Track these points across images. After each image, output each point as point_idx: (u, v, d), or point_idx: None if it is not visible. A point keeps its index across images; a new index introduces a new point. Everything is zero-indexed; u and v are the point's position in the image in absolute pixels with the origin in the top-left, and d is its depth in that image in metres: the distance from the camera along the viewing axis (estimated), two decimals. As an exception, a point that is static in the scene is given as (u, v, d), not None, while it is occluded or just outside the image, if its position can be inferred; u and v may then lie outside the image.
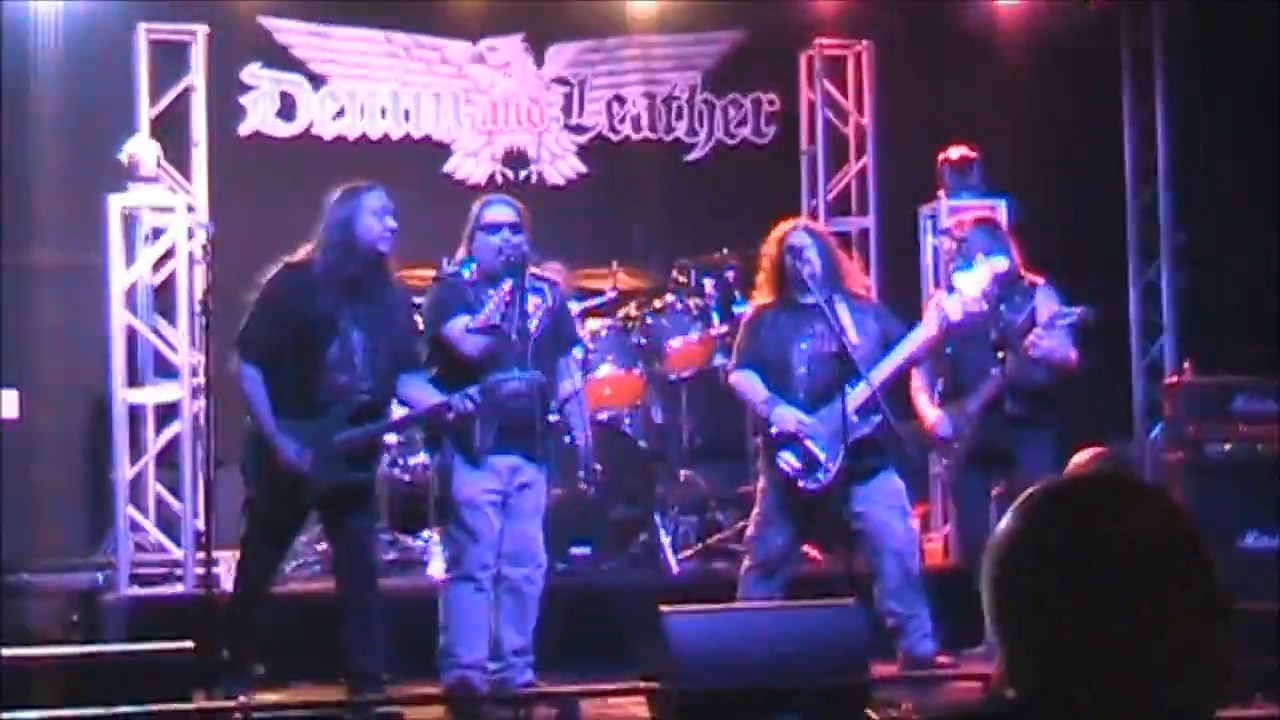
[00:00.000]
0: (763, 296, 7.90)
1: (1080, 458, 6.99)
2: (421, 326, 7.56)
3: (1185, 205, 11.01)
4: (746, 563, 7.88)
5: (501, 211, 7.30)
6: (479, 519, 7.15)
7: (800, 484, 7.64)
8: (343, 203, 7.09)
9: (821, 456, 7.61)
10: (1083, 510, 2.21)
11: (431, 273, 9.48)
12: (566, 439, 7.83)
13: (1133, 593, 2.16)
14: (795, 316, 7.74)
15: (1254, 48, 10.54)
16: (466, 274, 7.29)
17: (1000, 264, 8.03)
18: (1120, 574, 2.16)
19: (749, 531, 7.94)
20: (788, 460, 7.62)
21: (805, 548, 8.90)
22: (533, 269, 7.34)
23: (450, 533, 7.25)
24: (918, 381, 8.32)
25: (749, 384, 7.78)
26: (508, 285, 7.00)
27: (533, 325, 7.23)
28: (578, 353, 7.84)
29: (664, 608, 6.83)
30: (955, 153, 9.89)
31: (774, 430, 7.66)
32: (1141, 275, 11.05)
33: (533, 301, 7.26)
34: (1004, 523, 2.27)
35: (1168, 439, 9.91)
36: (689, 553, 9.55)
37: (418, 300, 9.36)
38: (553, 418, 7.49)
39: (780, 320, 7.75)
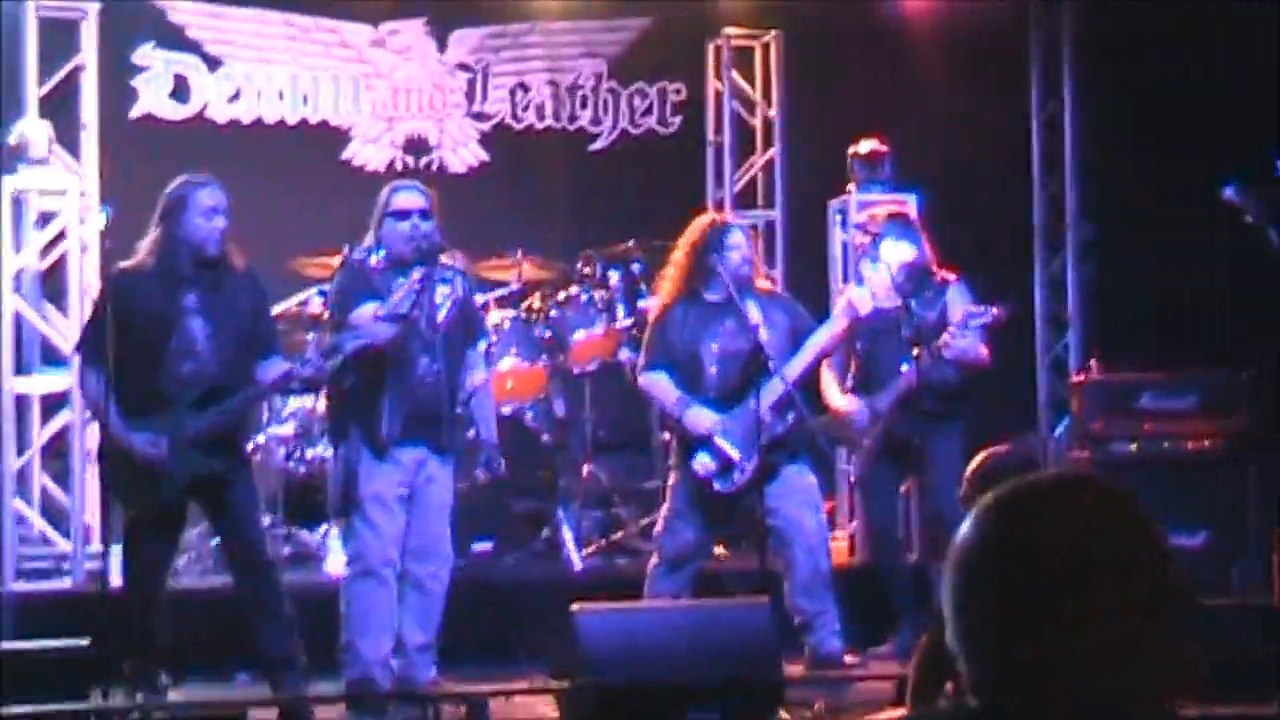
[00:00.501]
0: (666, 293, 7.90)
1: (982, 456, 7.01)
2: (329, 311, 7.51)
3: (1093, 199, 11.10)
4: (654, 559, 7.88)
5: (411, 197, 7.27)
6: (383, 513, 7.10)
7: (715, 485, 7.65)
8: (172, 199, 7.04)
9: (736, 457, 7.63)
10: (1036, 512, 2.18)
11: (330, 260, 9.47)
12: (470, 433, 7.78)
13: (1075, 592, 2.13)
14: (704, 313, 7.74)
15: (1163, 40, 10.66)
16: (374, 260, 7.24)
17: (907, 252, 8.10)
18: (1062, 573, 2.14)
19: (657, 528, 7.95)
20: (703, 463, 7.64)
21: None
22: (443, 259, 7.31)
23: (353, 526, 7.19)
24: (828, 374, 8.35)
25: (660, 385, 7.78)
26: (418, 274, 6.97)
27: (441, 315, 7.21)
28: (483, 345, 7.78)
29: (574, 605, 6.81)
30: (865, 146, 9.92)
31: (688, 431, 7.66)
32: (1047, 269, 11.13)
33: (441, 291, 7.23)
34: (962, 533, 2.25)
35: (1074, 436, 10.01)
36: (592, 548, 9.55)
37: (324, 290, 9.39)
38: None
39: (689, 318, 7.74)
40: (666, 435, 8.27)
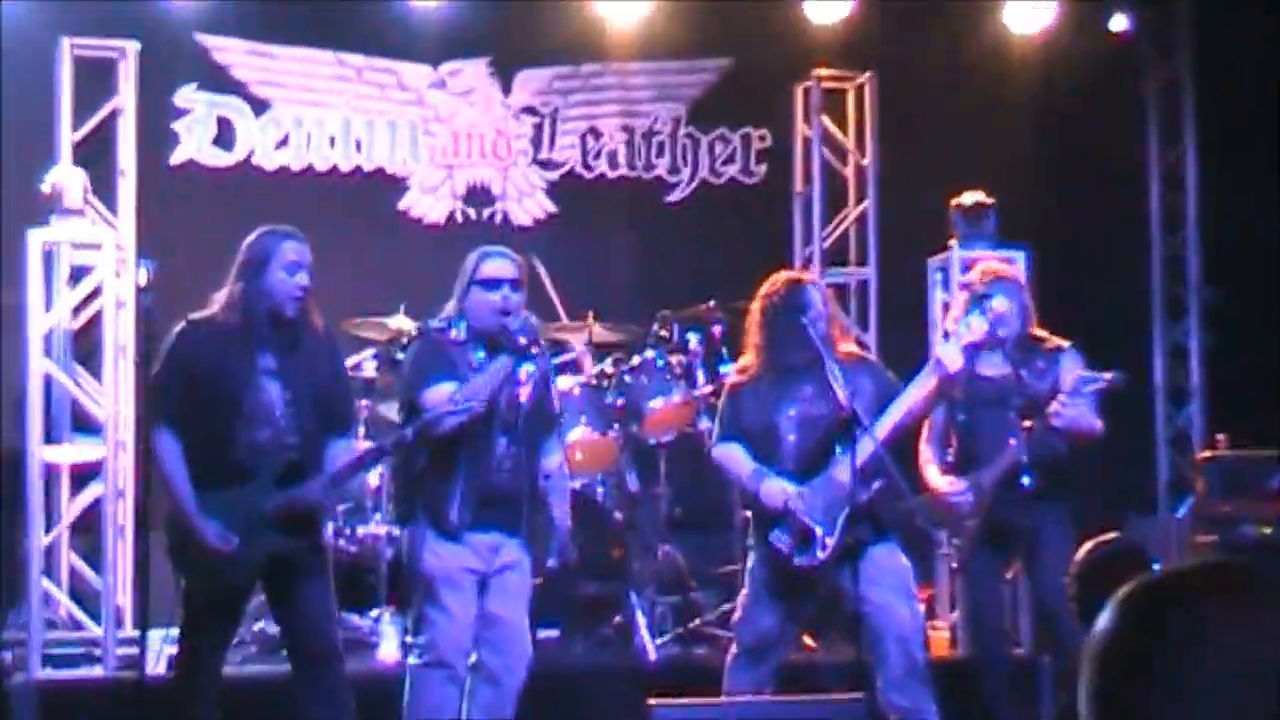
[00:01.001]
0: (747, 358, 7.86)
1: (1090, 546, 6.91)
2: (400, 386, 7.46)
3: (1217, 259, 11.02)
4: (733, 649, 7.81)
5: (502, 265, 7.20)
6: (457, 597, 7.05)
7: (795, 561, 7.58)
8: (253, 252, 7.00)
9: (817, 531, 7.55)
10: (1194, 610, 2.13)
11: (384, 321, 9.50)
12: (541, 518, 7.71)
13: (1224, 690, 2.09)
14: (780, 379, 7.68)
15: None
16: (455, 333, 7.18)
17: (1001, 305, 8.06)
18: (1240, 686, 2.09)
19: (735, 615, 7.87)
20: (780, 538, 7.57)
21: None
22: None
23: (425, 612, 7.13)
24: (926, 453, 8.27)
25: (733, 457, 7.70)
26: (503, 365, 6.96)
27: (524, 394, 7.15)
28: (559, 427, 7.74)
29: (651, 699, 6.74)
30: (969, 198, 9.88)
31: (764, 505, 7.60)
32: (1168, 335, 11.06)
33: (525, 369, 7.17)
34: (1103, 623, 2.20)
35: (1197, 518, 9.91)
36: (667, 636, 9.48)
37: (377, 354, 9.38)
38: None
39: (763, 385, 7.68)
40: (746, 514, 8.19)
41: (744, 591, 7.79)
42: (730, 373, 8.12)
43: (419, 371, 7.18)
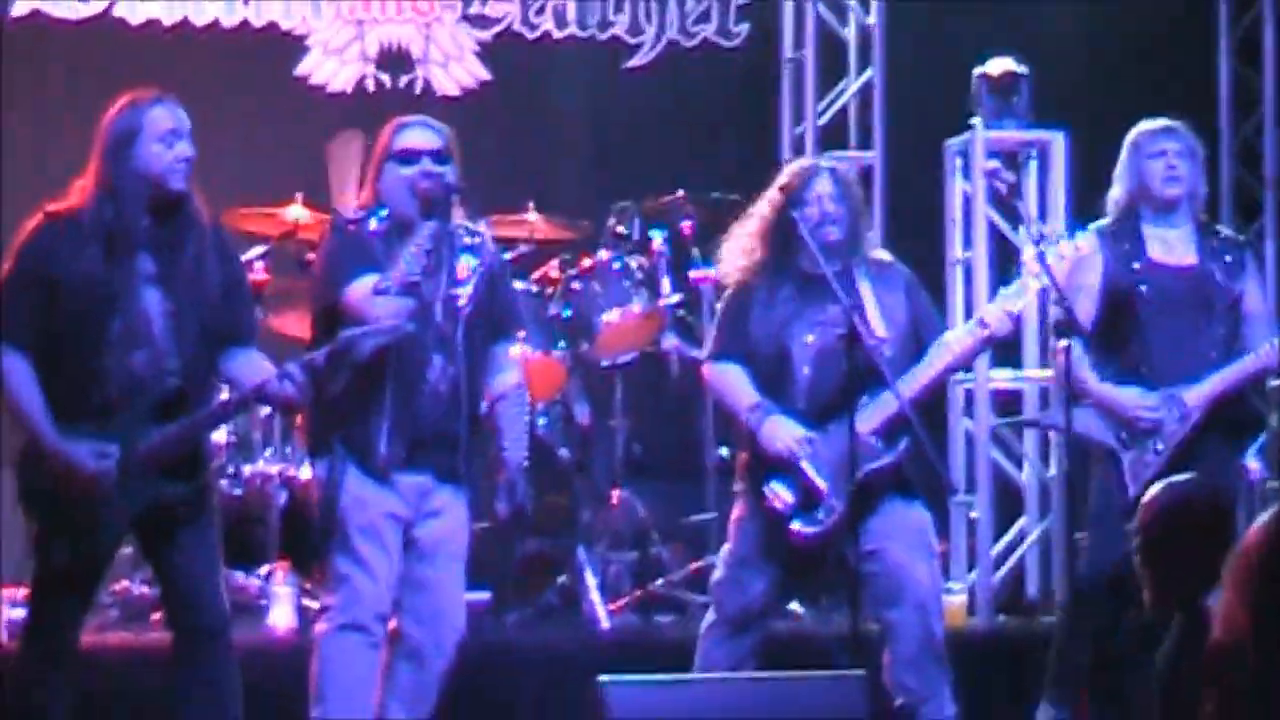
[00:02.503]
0: (750, 259, 7.83)
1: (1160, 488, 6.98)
2: (313, 293, 7.43)
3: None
4: (710, 616, 7.82)
5: (422, 136, 7.17)
6: (377, 551, 7.06)
7: (793, 525, 7.59)
8: (119, 123, 6.97)
9: (824, 488, 7.55)
10: None
11: (279, 212, 9.51)
12: (491, 451, 7.66)
13: None
14: (800, 294, 7.62)
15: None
16: (374, 223, 7.18)
17: (1086, 243, 8.05)
18: None
19: (717, 574, 7.84)
20: (777, 492, 7.55)
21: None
22: (461, 219, 7.27)
23: (336, 566, 7.16)
24: (1076, 349, 7.63)
25: (734, 382, 7.64)
26: (429, 230, 6.94)
27: (464, 297, 7.15)
28: (518, 342, 7.67)
29: (603, 677, 6.82)
30: (996, 67, 9.93)
31: (764, 449, 7.60)
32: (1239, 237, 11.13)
33: (465, 264, 7.17)
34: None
35: (1272, 460, 10.00)
36: (623, 601, 9.58)
37: (267, 253, 9.40)
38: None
39: (779, 298, 7.65)
40: (725, 453, 8.21)
41: (728, 548, 7.77)
42: (728, 268, 8.00)
43: (334, 268, 7.13)
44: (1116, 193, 7.99)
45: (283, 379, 6.80)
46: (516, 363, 7.46)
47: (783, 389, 7.56)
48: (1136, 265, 7.77)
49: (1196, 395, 7.70)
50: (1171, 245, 7.81)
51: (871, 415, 7.43)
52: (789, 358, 7.56)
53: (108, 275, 6.81)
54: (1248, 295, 7.84)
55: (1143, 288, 7.75)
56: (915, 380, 7.48)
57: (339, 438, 7.07)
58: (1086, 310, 7.70)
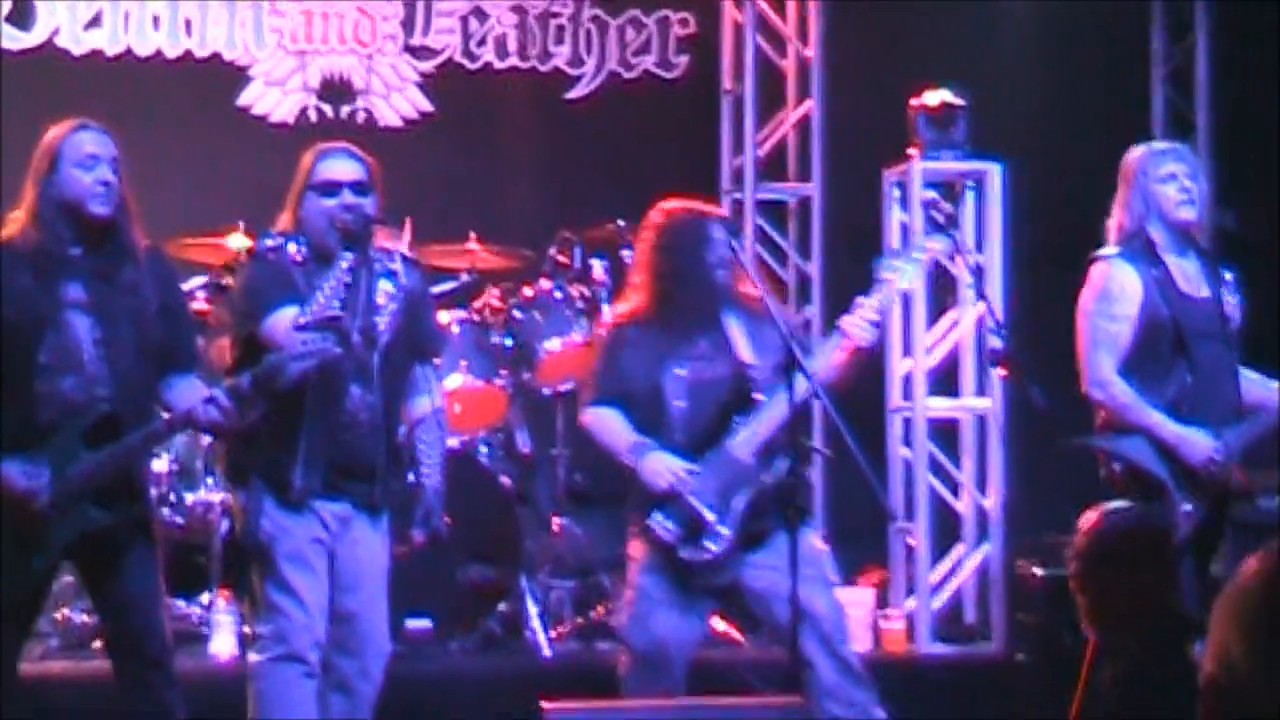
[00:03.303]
0: (629, 301, 7.84)
1: (1096, 515, 6.98)
2: (231, 320, 7.42)
3: (1231, 176, 11.10)
4: (624, 658, 7.77)
5: (343, 165, 7.17)
6: (306, 577, 7.05)
7: (681, 554, 7.57)
8: (42, 153, 6.98)
9: (710, 518, 7.54)
10: None
11: (220, 241, 9.47)
12: (409, 476, 7.68)
13: None
14: (670, 331, 7.65)
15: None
16: (293, 250, 7.17)
17: (939, 244, 8.01)
18: None
19: (622, 616, 7.77)
20: (662, 524, 7.54)
21: (724, 626, 8.92)
22: (383, 239, 7.25)
23: (269, 596, 7.11)
24: (1120, 385, 7.44)
25: (609, 425, 7.60)
26: (346, 263, 6.91)
27: (383, 323, 7.12)
28: (435, 362, 7.68)
29: (545, 704, 6.79)
30: (933, 99, 9.93)
31: (646, 485, 7.57)
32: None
33: (383, 290, 7.15)
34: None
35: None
36: (565, 629, 9.56)
37: (210, 282, 9.34)
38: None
39: (649, 336, 7.66)
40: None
41: (629, 590, 7.72)
42: (608, 317, 8.07)
43: (253, 299, 7.12)
44: (1122, 220, 7.58)
45: (209, 403, 6.78)
46: (436, 386, 7.46)
47: (659, 424, 7.55)
48: (1171, 294, 7.38)
49: (1239, 440, 7.32)
50: (1189, 275, 7.46)
51: (747, 440, 7.45)
52: (662, 392, 7.56)
53: (36, 302, 6.80)
54: (1235, 318, 7.55)
55: (1180, 319, 7.35)
56: (784, 402, 7.49)
57: (255, 469, 7.06)
58: (1125, 341, 7.37)
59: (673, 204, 7.87)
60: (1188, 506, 7.17)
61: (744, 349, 7.57)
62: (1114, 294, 7.40)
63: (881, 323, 7.74)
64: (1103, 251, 7.59)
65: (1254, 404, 7.48)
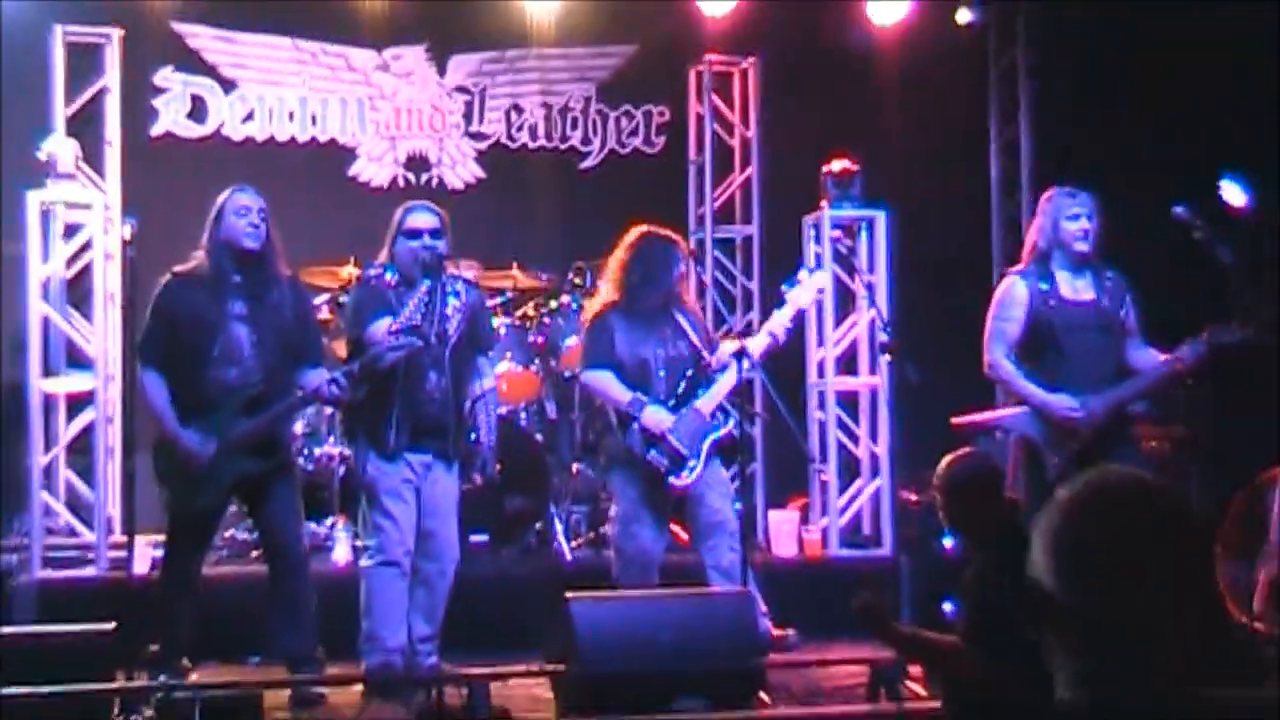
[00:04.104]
0: (605, 298, 7.83)
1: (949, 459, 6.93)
2: (345, 327, 7.46)
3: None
4: (617, 562, 7.69)
5: (423, 218, 7.21)
6: (400, 506, 7.07)
7: (670, 479, 7.59)
8: (215, 208, 7.06)
9: (686, 453, 7.59)
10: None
11: (336, 270, 9.47)
12: (471, 436, 7.71)
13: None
14: (643, 320, 7.69)
15: (1115, 68, 10.73)
16: (388, 277, 7.20)
17: (819, 278, 8.06)
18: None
19: (613, 530, 7.76)
20: (658, 459, 7.57)
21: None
22: (450, 268, 7.28)
23: (373, 520, 7.15)
24: (1009, 367, 7.26)
25: (608, 383, 7.61)
26: (425, 287, 6.94)
27: (451, 328, 7.15)
28: (490, 354, 7.69)
29: (568, 593, 6.78)
30: (837, 165, 9.91)
31: (642, 429, 7.57)
32: (1009, 276, 11.11)
33: (451, 304, 7.18)
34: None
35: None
36: (580, 541, 9.53)
37: (330, 299, 9.33)
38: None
39: (630, 325, 7.68)
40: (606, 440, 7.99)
41: (617, 509, 7.72)
42: (594, 305, 8.02)
43: (358, 312, 7.20)
44: (1035, 241, 7.37)
45: (331, 384, 6.88)
46: (490, 372, 7.49)
47: (646, 385, 7.59)
48: (1052, 302, 7.23)
49: (1103, 403, 7.16)
50: (1076, 286, 7.27)
51: (708, 401, 7.47)
52: (648, 363, 7.58)
53: (209, 314, 6.86)
54: (1128, 320, 7.36)
55: (1057, 318, 7.21)
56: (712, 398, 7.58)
57: (361, 431, 7.09)
58: (1015, 335, 7.23)
59: (647, 227, 7.89)
60: (1055, 459, 7.13)
61: (693, 337, 7.62)
62: (1007, 301, 7.30)
63: (791, 327, 7.78)
64: (1011, 270, 7.54)
65: (1134, 370, 7.32)
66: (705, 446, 7.60)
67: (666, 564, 7.89)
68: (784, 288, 7.96)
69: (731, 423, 7.71)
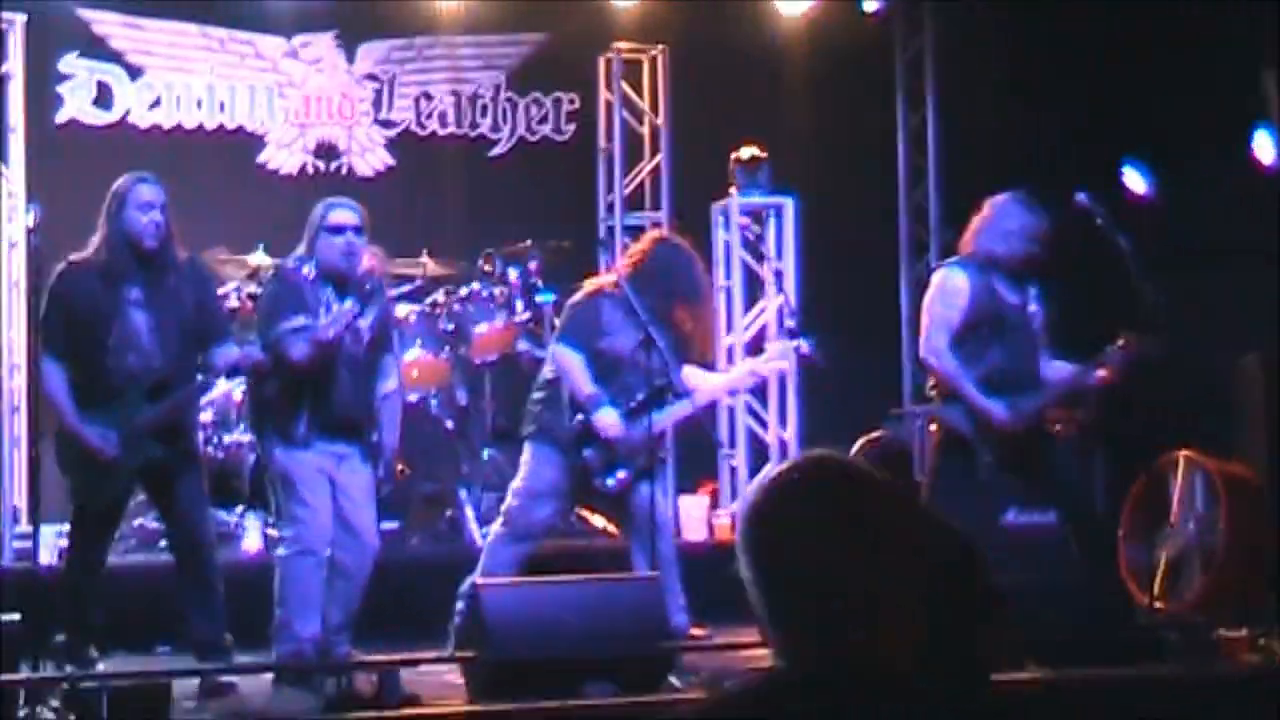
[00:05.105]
0: (610, 279, 7.72)
1: (861, 442, 7.00)
2: (260, 319, 7.35)
3: (953, 207, 11.14)
4: (499, 529, 7.60)
5: (346, 215, 7.14)
6: (315, 494, 7.01)
7: (595, 481, 7.52)
8: (113, 196, 6.99)
9: (620, 464, 7.50)
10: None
11: (245, 259, 9.39)
12: (374, 436, 7.56)
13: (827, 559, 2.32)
14: (634, 319, 7.53)
15: (1021, 56, 10.83)
16: (306, 271, 7.12)
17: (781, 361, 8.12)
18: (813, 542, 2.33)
19: (509, 501, 7.63)
20: (593, 457, 7.48)
21: (603, 523, 8.90)
22: (367, 264, 7.22)
23: (291, 509, 7.05)
24: (953, 363, 7.23)
25: (577, 368, 7.47)
26: (350, 305, 6.88)
27: (367, 337, 7.12)
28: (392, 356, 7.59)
29: (479, 581, 6.77)
30: (746, 153, 9.95)
31: (593, 426, 7.47)
32: (913, 271, 11.18)
33: (365, 320, 7.09)
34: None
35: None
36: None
37: (238, 287, 9.25)
38: None
39: (619, 315, 7.56)
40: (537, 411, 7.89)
41: (522, 481, 7.60)
42: (595, 281, 7.91)
43: (274, 305, 7.13)
44: (978, 242, 7.36)
45: (250, 353, 6.92)
46: (396, 373, 7.44)
47: (610, 382, 7.51)
48: (994, 297, 7.26)
49: (1031, 408, 7.23)
50: (1006, 288, 7.31)
51: (663, 420, 7.55)
52: (621, 362, 7.52)
53: (104, 302, 6.81)
54: (1041, 328, 7.43)
55: (995, 314, 7.26)
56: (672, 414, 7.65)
57: (269, 424, 7.07)
58: (954, 323, 7.22)
59: (676, 238, 7.81)
60: (988, 457, 7.19)
61: (668, 358, 7.47)
62: (950, 290, 7.28)
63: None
64: (946, 261, 7.58)
65: (1047, 380, 7.38)
66: (640, 460, 7.48)
67: (585, 550, 7.90)
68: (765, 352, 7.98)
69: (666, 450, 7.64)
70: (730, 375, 8.03)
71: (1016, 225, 7.35)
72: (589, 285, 7.82)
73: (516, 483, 7.66)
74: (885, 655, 2.27)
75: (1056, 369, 7.43)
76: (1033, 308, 7.41)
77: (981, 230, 7.43)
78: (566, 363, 7.53)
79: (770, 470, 2.45)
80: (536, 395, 7.70)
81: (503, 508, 7.76)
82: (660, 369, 7.44)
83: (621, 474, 7.48)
